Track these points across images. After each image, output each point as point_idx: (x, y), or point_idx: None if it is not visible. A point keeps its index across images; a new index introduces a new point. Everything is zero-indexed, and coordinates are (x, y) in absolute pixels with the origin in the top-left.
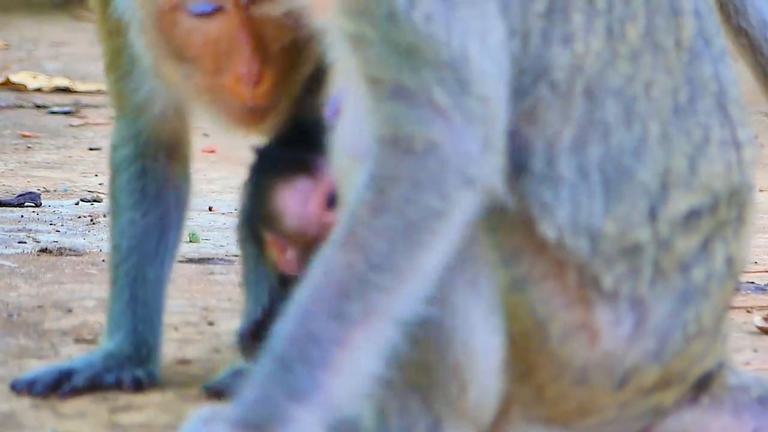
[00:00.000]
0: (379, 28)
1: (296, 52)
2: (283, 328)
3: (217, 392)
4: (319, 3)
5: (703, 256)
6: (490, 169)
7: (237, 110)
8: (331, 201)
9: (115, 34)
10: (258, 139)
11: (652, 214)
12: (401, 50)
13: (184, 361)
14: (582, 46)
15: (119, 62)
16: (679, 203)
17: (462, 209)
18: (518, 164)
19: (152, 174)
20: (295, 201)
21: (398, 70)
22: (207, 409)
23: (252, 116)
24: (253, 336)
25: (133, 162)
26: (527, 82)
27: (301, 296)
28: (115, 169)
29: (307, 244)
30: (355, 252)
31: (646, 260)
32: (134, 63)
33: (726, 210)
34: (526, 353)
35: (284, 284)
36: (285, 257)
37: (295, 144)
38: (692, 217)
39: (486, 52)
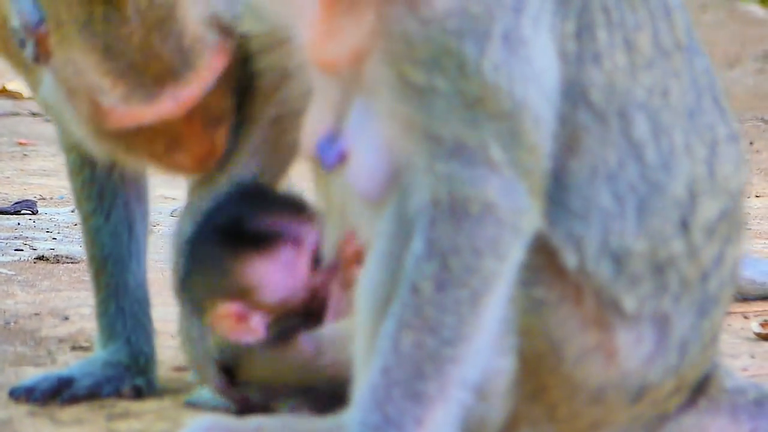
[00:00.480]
0: (448, 80)
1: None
2: (358, 412)
3: (197, 407)
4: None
5: (718, 264)
6: (537, 216)
7: (194, 167)
8: (315, 262)
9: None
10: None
11: (684, 226)
12: (466, 103)
13: (180, 368)
14: (610, 63)
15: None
16: (708, 211)
17: (515, 261)
18: (555, 200)
19: (103, 177)
20: (281, 272)
21: (460, 125)
22: (204, 417)
23: (206, 164)
24: (230, 382)
25: (81, 168)
26: (567, 108)
27: (373, 380)
28: (69, 175)
29: (285, 311)
30: (425, 331)
31: (674, 275)
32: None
33: (739, 211)
34: (538, 374)
35: (227, 353)
36: (246, 325)
37: (242, 208)
38: (717, 222)
39: (543, 96)
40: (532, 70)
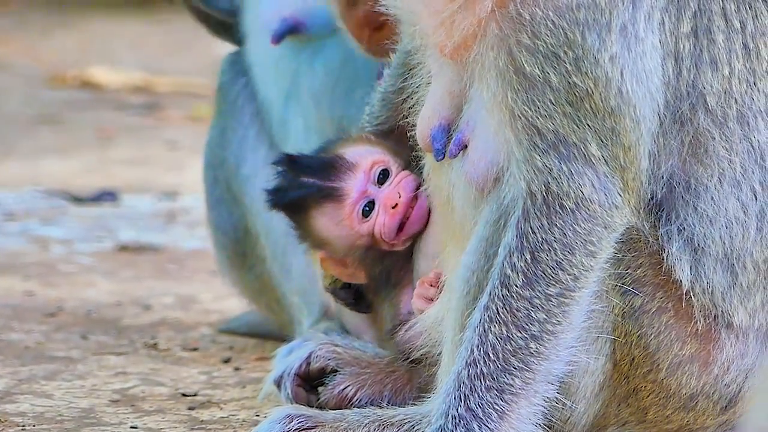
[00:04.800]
0: (560, 74)
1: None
2: (441, 403)
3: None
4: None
5: None
6: (629, 211)
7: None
8: (363, 212)
9: None
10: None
11: None
12: (573, 99)
13: (263, 358)
14: (727, 68)
15: None
16: None
17: (605, 255)
18: (682, 207)
19: None
20: (330, 223)
21: (562, 121)
22: (285, 406)
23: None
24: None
25: None
26: (685, 109)
27: (458, 371)
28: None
29: (363, 253)
30: (512, 325)
31: None
32: None
33: None
34: (631, 378)
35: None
36: (346, 269)
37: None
38: None
39: (648, 94)
40: (642, 68)
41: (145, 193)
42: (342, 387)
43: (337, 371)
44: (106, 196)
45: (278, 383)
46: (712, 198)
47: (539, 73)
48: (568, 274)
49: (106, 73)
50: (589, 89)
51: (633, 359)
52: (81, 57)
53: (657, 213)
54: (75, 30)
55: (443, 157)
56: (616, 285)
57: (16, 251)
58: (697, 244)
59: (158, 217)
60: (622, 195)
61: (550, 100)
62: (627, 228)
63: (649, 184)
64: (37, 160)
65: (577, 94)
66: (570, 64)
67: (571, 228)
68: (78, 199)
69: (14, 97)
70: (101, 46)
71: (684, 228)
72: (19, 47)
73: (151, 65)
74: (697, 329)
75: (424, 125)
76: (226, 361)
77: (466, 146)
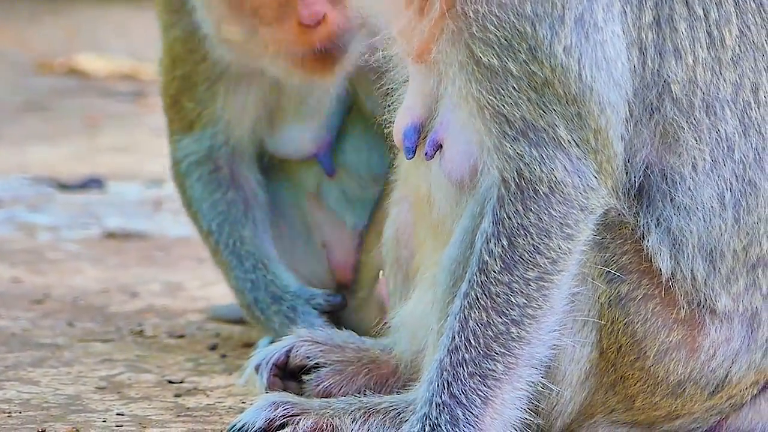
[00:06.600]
0: (518, 62)
1: None
2: (426, 391)
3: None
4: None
5: None
6: (606, 193)
7: (305, 58)
8: None
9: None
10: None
11: None
12: (535, 86)
13: (249, 345)
14: (691, 57)
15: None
16: None
17: (584, 238)
18: (659, 197)
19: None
20: None
21: (528, 107)
22: (272, 393)
23: (321, 62)
24: None
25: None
26: (652, 97)
27: (440, 358)
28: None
29: None
30: (492, 310)
31: (765, 273)
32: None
33: None
34: (618, 366)
35: None
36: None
37: None
38: None
39: (611, 81)
40: (602, 55)
41: (131, 181)
42: (326, 384)
43: (318, 366)
44: (93, 183)
45: (258, 370)
46: (688, 188)
47: (497, 62)
48: (546, 258)
49: (93, 61)
50: (548, 77)
51: (620, 347)
52: (68, 44)
53: (639, 203)
54: (62, 18)
55: (413, 156)
56: (602, 271)
57: (2, 238)
58: (674, 236)
59: (145, 204)
60: (597, 177)
61: (514, 88)
62: (611, 213)
63: (627, 173)
64: (25, 147)
65: (537, 81)
66: (525, 53)
67: (546, 212)
68: (65, 186)
69: (1, 84)
70: (88, 34)
71: (661, 220)
72: (7, 35)
73: (137, 53)
74: (683, 315)
75: (399, 124)
76: (213, 348)
77: (441, 146)
